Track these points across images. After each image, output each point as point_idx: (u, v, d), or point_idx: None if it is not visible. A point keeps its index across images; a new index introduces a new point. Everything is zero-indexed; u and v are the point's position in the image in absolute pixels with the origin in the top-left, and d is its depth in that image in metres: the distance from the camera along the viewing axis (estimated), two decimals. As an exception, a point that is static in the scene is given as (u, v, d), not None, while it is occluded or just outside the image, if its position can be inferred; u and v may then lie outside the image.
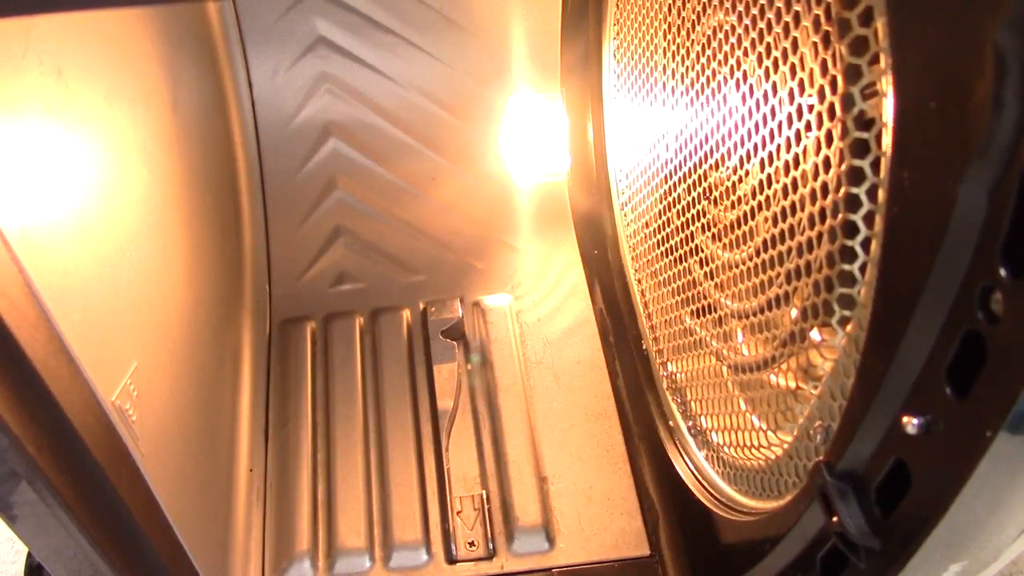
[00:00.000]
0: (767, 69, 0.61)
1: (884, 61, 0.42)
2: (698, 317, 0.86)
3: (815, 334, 0.60)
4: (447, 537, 1.05)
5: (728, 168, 0.72)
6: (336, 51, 1.31)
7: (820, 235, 0.56)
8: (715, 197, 0.77)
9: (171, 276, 0.91)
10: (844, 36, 0.50)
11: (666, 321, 0.98)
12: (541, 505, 1.07)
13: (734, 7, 0.66)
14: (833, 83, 0.52)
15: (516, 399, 1.17)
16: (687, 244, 0.87)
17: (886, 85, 0.41)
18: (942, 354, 0.40)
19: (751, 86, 0.65)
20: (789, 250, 0.62)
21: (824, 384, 0.57)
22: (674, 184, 0.88)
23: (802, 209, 0.59)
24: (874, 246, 0.47)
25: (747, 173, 0.68)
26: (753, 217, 0.68)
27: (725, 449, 0.81)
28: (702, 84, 0.76)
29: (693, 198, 0.83)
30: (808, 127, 0.56)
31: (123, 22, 0.86)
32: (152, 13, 0.95)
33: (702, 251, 0.82)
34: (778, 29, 0.59)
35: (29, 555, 0.92)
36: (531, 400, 1.18)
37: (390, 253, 1.34)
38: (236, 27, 1.28)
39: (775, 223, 0.64)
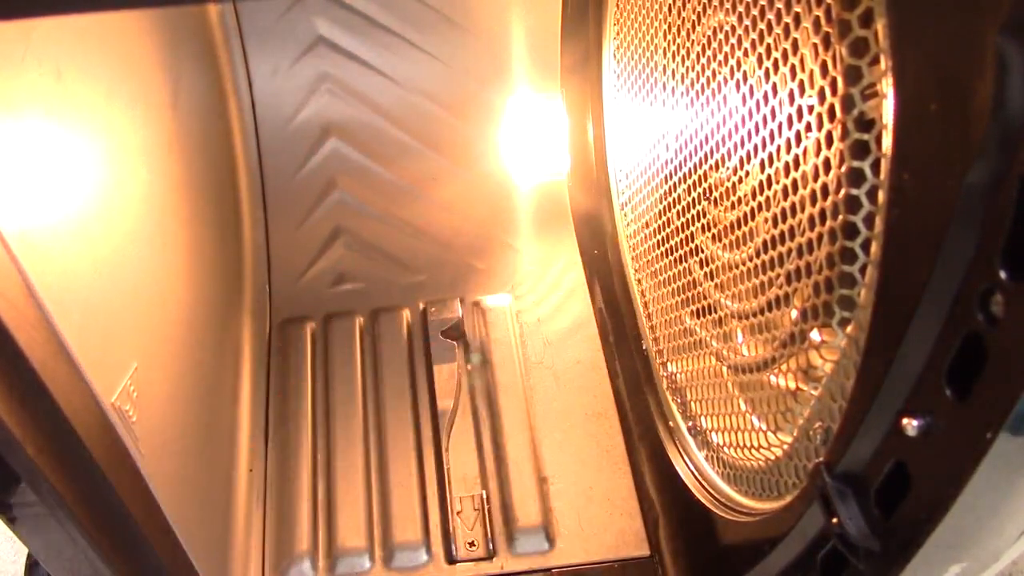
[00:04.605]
0: (767, 70, 0.61)
1: (884, 62, 0.42)
2: (698, 317, 0.86)
3: (815, 335, 0.60)
4: (447, 537, 1.05)
5: (728, 169, 0.72)
6: (336, 51, 1.31)
7: (820, 236, 0.56)
8: (715, 198, 0.77)
9: (171, 276, 0.91)
10: (844, 37, 0.50)
11: (666, 321, 0.98)
12: (541, 505, 1.07)
13: (734, 8, 0.66)
14: (833, 84, 0.52)
15: (516, 399, 1.17)
16: (687, 244, 0.87)
17: (886, 86, 0.41)
18: (942, 356, 0.40)
19: (751, 87, 0.65)
20: (789, 251, 0.62)
21: (824, 385, 0.57)
22: (674, 184, 0.88)
23: (802, 210, 0.59)
24: (874, 248, 0.47)
25: (747, 174, 0.68)
26: (753, 218, 0.68)
27: (725, 449, 0.81)
28: (702, 85, 0.76)
29: (693, 198, 0.83)
30: (808, 128, 0.56)
31: (123, 23, 0.86)
32: (152, 14, 0.95)
33: (702, 251, 0.82)
34: (778, 30, 0.59)
35: (29, 554, 0.92)
36: (531, 400, 1.18)
37: (390, 253, 1.34)
38: (236, 27, 1.28)
39: (775, 224, 0.64)
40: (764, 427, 0.72)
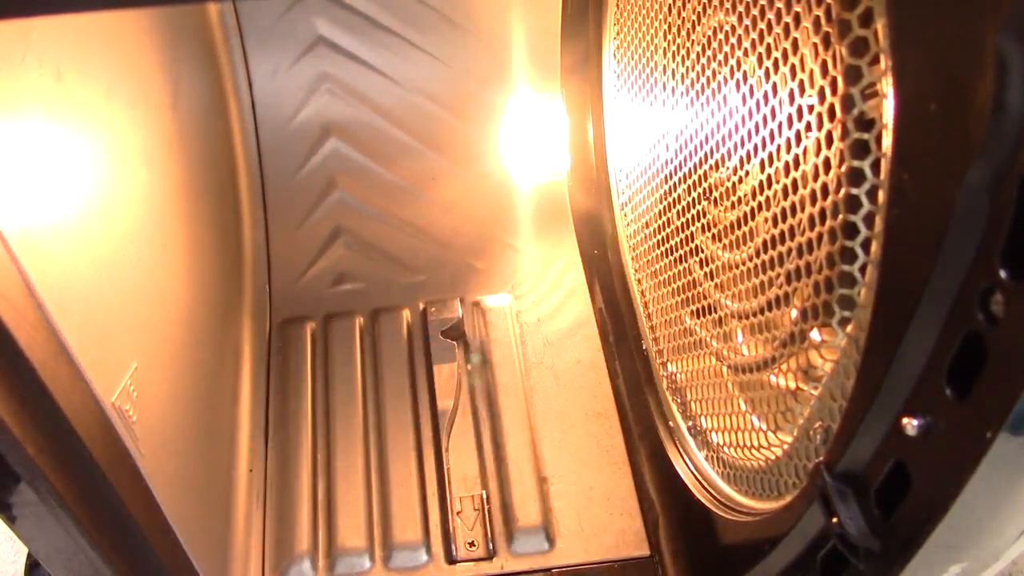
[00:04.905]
0: (767, 70, 0.61)
1: (884, 62, 0.42)
2: (698, 317, 0.86)
3: (815, 335, 0.60)
4: (447, 537, 1.05)
5: (728, 168, 0.72)
6: (336, 51, 1.31)
7: (820, 236, 0.56)
8: (715, 197, 0.77)
9: (171, 276, 0.91)
10: (844, 37, 0.50)
11: (666, 321, 0.98)
12: (541, 505, 1.07)
13: (734, 8, 0.66)
14: (833, 84, 0.52)
15: (516, 399, 1.17)
16: (687, 244, 0.87)
17: (886, 86, 0.41)
18: (942, 355, 0.40)
19: (751, 87, 0.65)
20: (789, 251, 0.62)
21: (824, 385, 0.57)
22: (674, 184, 0.88)
23: (802, 210, 0.59)
24: (874, 247, 0.47)
25: (747, 174, 0.68)
26: (753, 218, 0.68)
27: (725, 449, 0.81)
28: (702, 84, 0.76)
29: (693, 198, 0.83)
30: (808, 128, 0.56)
31: (123, 23, 0.86)
32: (152, 14, 0.95)
33: (702, 251, 0.82)
34: (778, 30, 0.59)
35: (29, 554, 0.92)
36: (531, 400, 1.18)
37: (390, 253, 1.34)
38: (236, 27, 1.28)
39: (775, 224, 0.64)
40: (764, 427, 0.72)
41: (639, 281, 1.09)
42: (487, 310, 1.28)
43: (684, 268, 0.89)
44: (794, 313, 0.63)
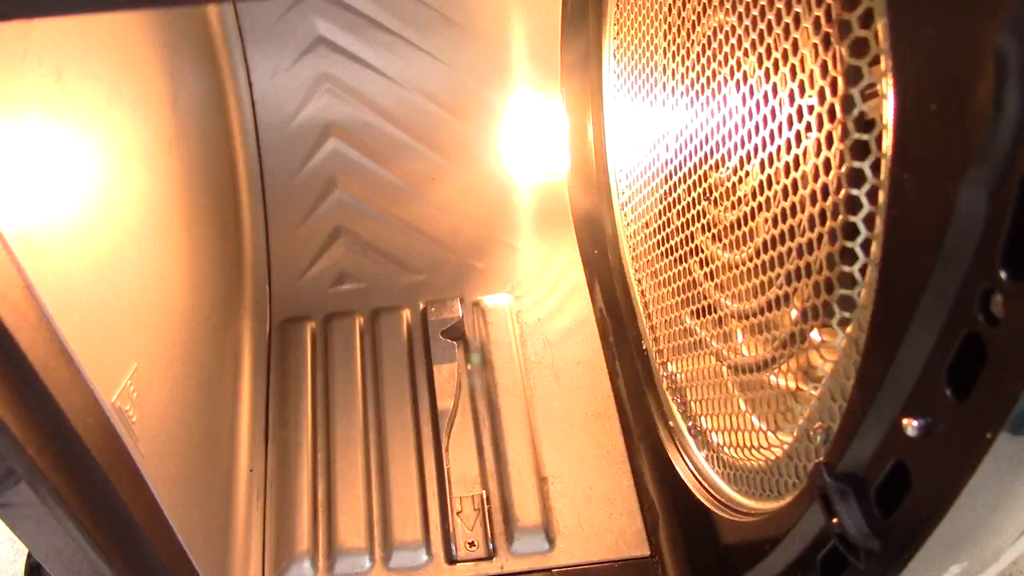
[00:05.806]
0: (767, 70, 0.61)
1: (884, 63, 0.42)
2: (698, 317, 0.86)
3: (815, 335, 0.60)
4: (447, 537, 1.05)
5: (728, 169, 0.72)
6: (336, 51, 1.31)
7: (820, 237, 0.56)
8: (715, 198, 0.77)
9: (171, 277, 0.91)
10: (845, 38, 0.50)
11: (666, 321, 0.98)
12: (541, 505, 1.07)
13: (734, 8, 0.66)
14: (833, 85, 0.52)
15: (516, 399, 1.17)
16: (687, 244, 0.87)
17: (886, 87, 0.41)
18: (942, 356, 0.40)
19: (751, 87, 0.65)
20: (789, 251, 0.62)
21: (824, 385, 0.57)
22: (674, 184, 0.88)
23: (802, 210, 0.59)
24: (874, 248, 0.47)
25: (747, 174, 0.68)
26: (753, 218, 0.68)
27: (725, 449, 0.81)
28: (702, 85, 0.76)
29: (693, 198, 0.83)
30: (808, 128, 0.56)
31: (123, 23, 0.86)
32: (152, 14, 0.95)
33: (702, 251, 0.82)
34: (778, 30, 0.59)
35: (29, 555, 0.93)
36: (531, 400, 1.18)
37: (390, 253, 1.34)
38: (236, 27, 1.28)
39: (775, 224, 0.64)
40: (764, 427, 0.72)
41: (639, 281, 1.09)
42: (487, 310, 1.28)
43: (684, 268, 0.89)
44: (794, 313, 0.63)
